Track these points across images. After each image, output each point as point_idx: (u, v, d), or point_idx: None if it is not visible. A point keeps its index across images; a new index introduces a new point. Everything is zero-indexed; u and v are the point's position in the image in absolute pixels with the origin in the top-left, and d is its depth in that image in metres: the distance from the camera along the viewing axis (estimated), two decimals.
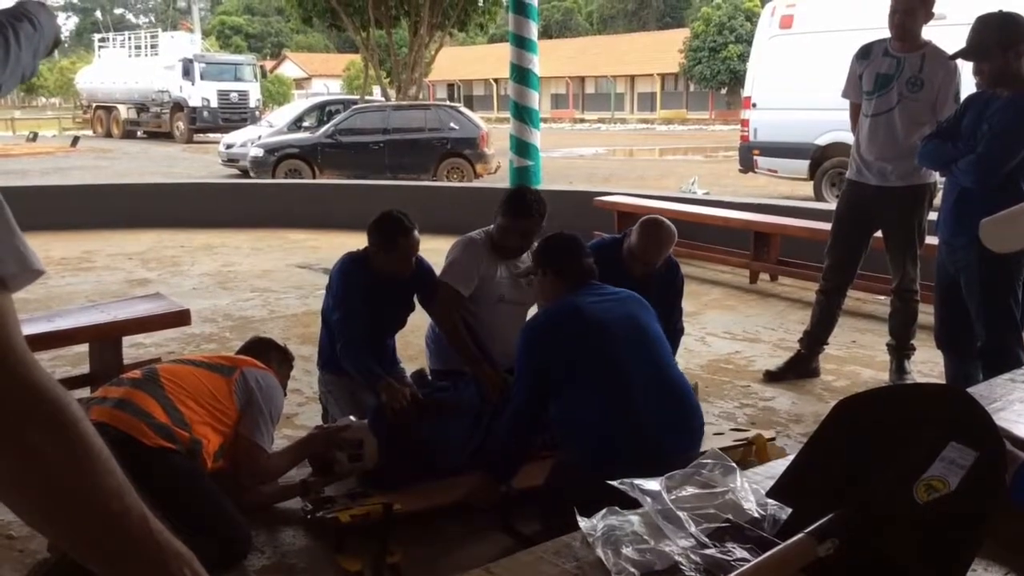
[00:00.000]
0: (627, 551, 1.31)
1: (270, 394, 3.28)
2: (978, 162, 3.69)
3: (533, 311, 4.03)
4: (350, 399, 3.79)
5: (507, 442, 3.10)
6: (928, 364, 4.90)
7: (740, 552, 1.28)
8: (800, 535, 1.24)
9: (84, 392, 3.90)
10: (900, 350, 4.86)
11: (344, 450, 3.36)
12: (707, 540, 1.31)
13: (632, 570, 1.27)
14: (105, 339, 4.28)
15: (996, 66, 3.67)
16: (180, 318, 4.49)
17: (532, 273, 3.32)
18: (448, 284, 3.83)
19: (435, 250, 3.92)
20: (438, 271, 3.93)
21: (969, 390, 1.84)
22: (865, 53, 4.66)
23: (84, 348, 4.47)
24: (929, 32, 4.55)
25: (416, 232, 3.75)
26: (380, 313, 3.80)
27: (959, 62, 4.18)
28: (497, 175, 15.35)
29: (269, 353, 3.61)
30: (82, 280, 7.65)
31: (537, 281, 3.22)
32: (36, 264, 0.85)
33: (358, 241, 3.90)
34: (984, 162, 3.68)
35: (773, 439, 3.84)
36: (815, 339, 5.00)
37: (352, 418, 3.51)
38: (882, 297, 6.14)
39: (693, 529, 1.33)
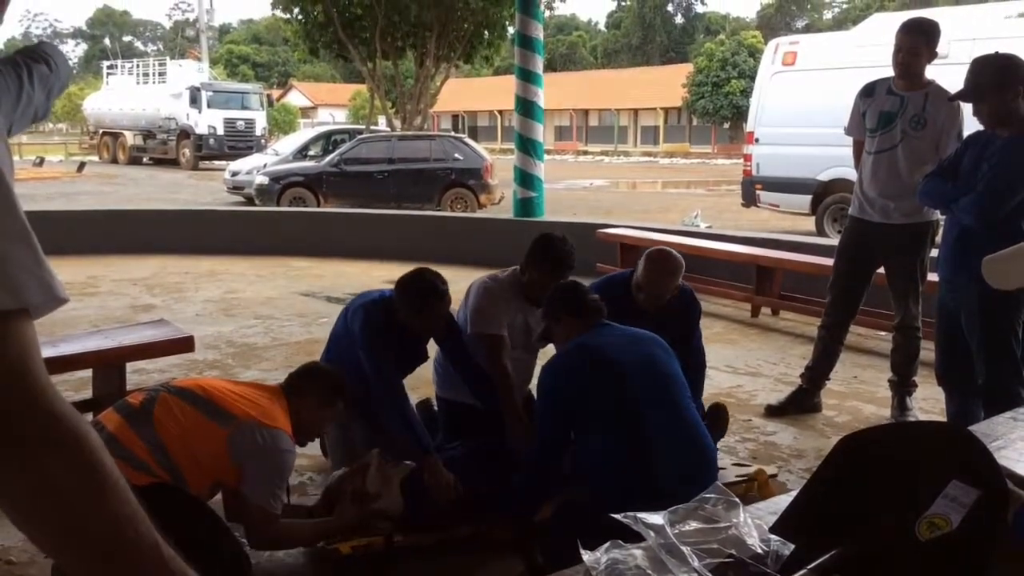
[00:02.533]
0: None
1: (271, 457, 2.92)
2: (978, 201, 3.71)
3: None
4: (340, 434, 3.77)
5: (531, 478, 3.11)
6: (930, 400, 4.90)
7: None
8: (803, 571, 1.24)
9: (87, 417, 3.90)
10: (902, 386, 4.86)
11: (377, 524, 3.19)
12: (710, 575, 1.31)
13: None
14: (108, 365, 4.29)
15: (994, 107, 3.71)
16: (184, 344, 4.51)
17: (546, 336, 3.33)
18: (489, 334, 3.74)
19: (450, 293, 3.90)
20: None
21: (971, 428, 1.85)
22: (869, 91, 4.70)
23: (87, 373, 4.48)
24: (931, 71, 4.60)
25: (448, 295, 3.61)
26: (401, 360, 3.76)
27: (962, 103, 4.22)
28: (501, 206, 15.40)
29: (307, 396, 3.18)
30: (86, 305, 7.66)
31: (553, 331, 3.25)
32: (60, 293, 0.86)
33: (362, 270, 3.92)
34: (984, 201, 3.70)
35: (775, 475, 3.83)
36: (817, 374, 5.00)
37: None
38: (884, 333, 6.15)
39: (696, 564, 1.33)
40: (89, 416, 3.99)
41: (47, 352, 3.95)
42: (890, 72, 4.61)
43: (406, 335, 3.66)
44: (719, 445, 4.06)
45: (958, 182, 3.85)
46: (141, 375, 5.13)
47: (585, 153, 47.13)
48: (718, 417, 4.03)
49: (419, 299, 3.56)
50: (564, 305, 3.19)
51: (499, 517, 3.21)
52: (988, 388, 3.86)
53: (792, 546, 1.37)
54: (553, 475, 3.08)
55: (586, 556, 1.42)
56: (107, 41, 79.72)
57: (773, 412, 4.95)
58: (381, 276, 3.78)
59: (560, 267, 3.72)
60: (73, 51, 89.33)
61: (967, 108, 4.02)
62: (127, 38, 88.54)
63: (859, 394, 5.35)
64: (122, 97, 32.69)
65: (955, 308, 3.92)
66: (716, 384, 5.50)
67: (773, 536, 1.40)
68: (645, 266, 3.77)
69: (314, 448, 4.28)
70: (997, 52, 3.79)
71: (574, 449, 3.02)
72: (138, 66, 34.67)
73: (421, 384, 4.26)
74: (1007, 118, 3.71)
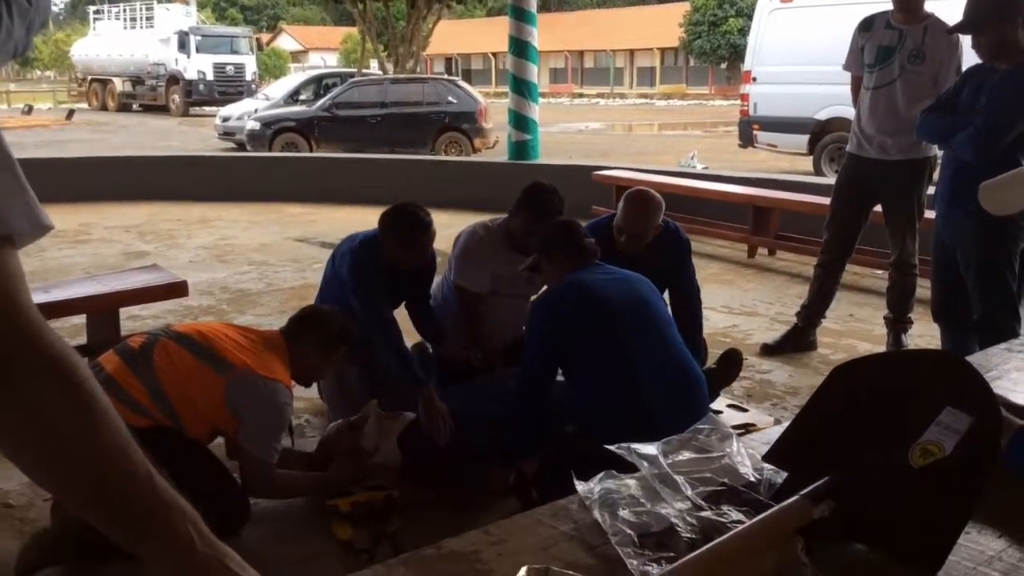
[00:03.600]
0: (624, 513, 1.32)
1: (268, 410, 2.91)
2: (976, 135, 3.67)
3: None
4: (337, 382, 3.80)
5: (515, 422, 3.13)
6: (925, 337, 4.91)
7: (736, 515, 1.29)
8: (795, 498, 1.25)
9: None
10: (897, 323, 4.88)
11: (373, 480, 3.21)
12: (703, 503, 1.32)
13: (628, 532, 1.28)
14: (102, 310, 4.29)
15: (994, 39, 3.65)
16: (177, 290, 4.50)
17: (534, 267, 3.31)
18: (467, 288, 3.80)
19: (434, 225, 3.89)
20: (438, 255, 3.92)
21: (966, 359, 1.85)
22: (867, 25, 4.64)
23: (81, 320, 4.48)
24: (930, 4, 4.53)
25: (432, 226, 3.67)
26: (391, 297, 3.80)
27: (961, 35, 4.17)
28: (496, 149, 15.30)
29: (307, 343, 3.13)
30: (79, 252, 7.64)
31: (543, 268, 3.23)
32: (45, 220, 0.85)
33: (355, 215, 3.91)
34: (982, 135, 3.66)
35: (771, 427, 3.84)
36: (813, 313, 5.02)
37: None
38: (879, 271, 6.16)
39: (689, 492, 1.34)
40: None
41: (40, 298, 3.94)
42: (889, 6, 4.55)
43: (394, 273, 3.68)
44: (724, 390, 4.08)
45: (956, 116, 3.81)
46: (135, 321, 5.13)
47: (581, 96, 46.69)
48: (732, 361, 4.04)
49: (406, 232, 3.60)
50: (557, 243, 3.19)
51: (495, 465, 3.23)
52: (984, 322, 3.86)
53: (785, 474, 1.38)
54: (537, 405, 3.11)
55: (580, 487, 1.43)
56: None
57: (769, 351, 4.98)
58: (375, 221, 3.74)
59: (541, 215, 3.68)
60: None
61: (966, 42, 3.97)
62: None
63: (855, 332, 5.37)
64: (110, 43, 32.25)
65: (951, 244, 3.92)
66: (712, 324, 5.50)
67: (766, 465, 1.41)
68: (624, 207, 3.74)
69: (312, 390, 4.30)
70: None
71: (569, 391, 3.04)
72: (125, 11, 34.09)
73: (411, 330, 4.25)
74: (1006, 50, 3.66)
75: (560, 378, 3.12)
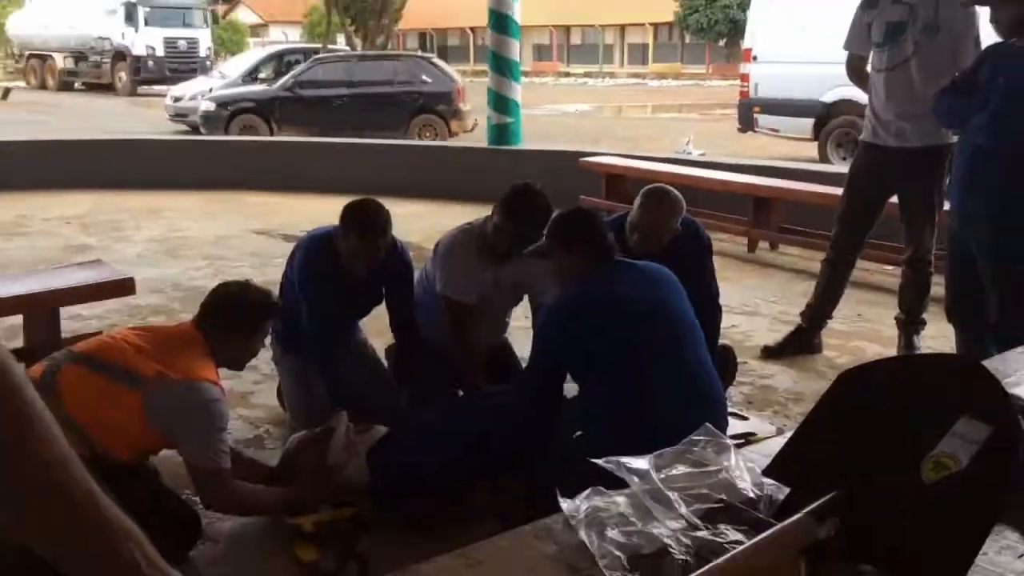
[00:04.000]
0: (612, 533, 1.32)
1: (196, 413, 2.80)
2: (993, 119, 3.70)
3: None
4: (298, 380, 3.83)
5: (511, 437, 3.11)
6: (939, 339, 4.94)
7: (734, 534, 1.30)
8: (798, 515, 1.26)
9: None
10: (910, 324, 4.90)
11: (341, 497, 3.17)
12: (699, 522, 1.33)
13: (617, 554, 1.28)
14: (40, 310, 4.25)
15: (1013, 13, 3.68)
16: (123, 287, 4.47)
17: (543, 253, 3.22)
18: (453, 299, 3.75)
19: (407, 215, 3.90)
20: (412, 249, 3.90)
21: (982, 364, 1.87)
22: (872, 2, 4.64)
23: (18, 320, 4.44)
24: None
25: (380, 223, 3.60)
26: (346, 303, 3.79)
27: (978, 7, 4.19)
28: (474, 133, 15.28)
29: (225, 328, 3.02)
30: (16, 247, 7.58)
31: (556, 258, 3.16)
32: None
33: (321, 205, 3.89)
34: (1000, 119, 3.69)
35: (773, 436, 3.85)
36: (818, 312, 5.04)
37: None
38: (890, 267, 6.20)
39: (684, 510, 1.35)
40: (21, 367, 3.96)
41: None
42: None
43: (353, 275, 3.67)
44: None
45: (974, 98, 3.83)
46: (77, 322, 5.10)
47: (567, 75, 46.69)
48: (725, 361, 4.05)
49: (355, 229, 3.57)
50: (579, 237, 3.08)
51: (473, 481, 3.22)
52: (1002, 327, 3.88)
53: (787, 490, 1.39)
54: (540, 421, 3.09)
55: (564, 505, 1.43)
56: None
57: (771, 354, 5.00)
58: (340, 211, 3.73)
59: (522, 219, 3.61)
60: None
61: (984, 13, 3.99)
62: None
63: (863, 333, 5.40)
64: (50, 15, 31.89)
65: (966, 238, 3.94)
66: None
67: (766, 480, 1.42)
68: (640, 204, 3.73)
69: (270, 397, 4.30)
70: None
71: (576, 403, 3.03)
72: None
73: (387, 328, 4.25)
74: None
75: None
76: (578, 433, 2.97)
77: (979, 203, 3.75)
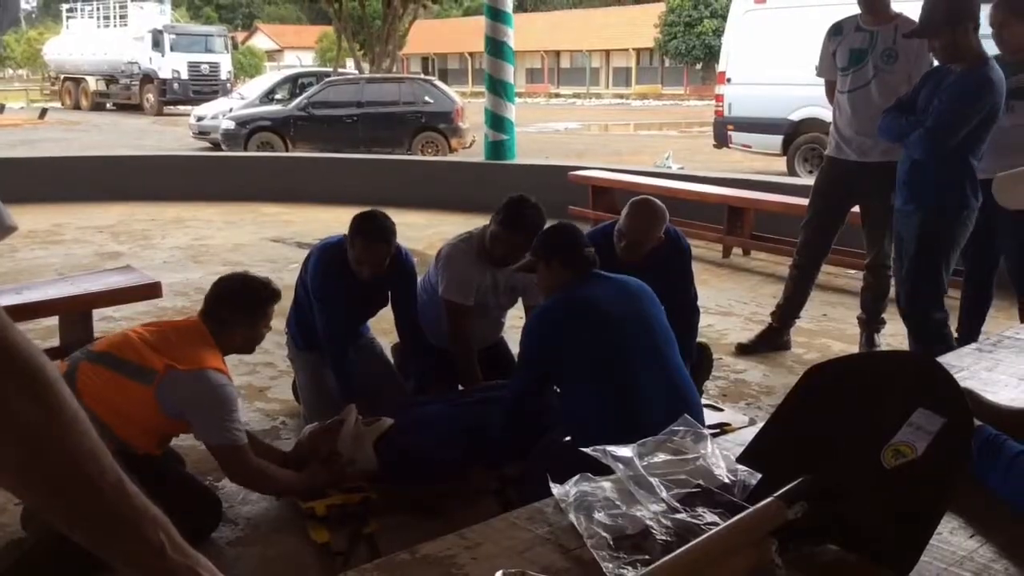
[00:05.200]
0: (599, 516, 1.32)
1: (205, 398, 2.81)
2: (926, 135, 3.78)
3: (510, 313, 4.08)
4: (312, 375, 3.82)
5: (504, 428, 3.10)
6: (898, 336, 4.94)
7: (711, 516, 1.29)
8: (769, 499, 1.25)
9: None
10: (871, 323, 4.92)
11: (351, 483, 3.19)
12: (678, 505, 1.33)
13: (604, 534, 1.28)
14: (75, 312, 4.24)
15: (946, 42, 3.75)
16: (151, 291, 4.46)
17: (531, 268, 3.20)
18: (453, 301, 3.73)
19: (410, 225, 3.89)
20: (416, 255, 3.89)
21: (937, 359, 1.87)
22: (837, 30, 4.68)
23: (54, 321, 4.43)
24: (901, 6, 4.57)
25: (385, 232, 3.60)
26: (355, 305, 3.80)
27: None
28: (472, 149, 15.28)
29: (229, 319, 3.01)
30: (51, 253, 7.56)
31: (540, 272, 3.14)
32: (9, 220, 0.84)
33: (331, 215, 3.89)
34: (932, 135, 3.77)
35: (746, 426, 3.86)
36: (788, 313, 5.05)
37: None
38: (853, 271, 6.21)
39: (664, 494, 1.34)
40: (56, 365, 3.95)
41: (11, 299, 3.91)
42: (858, 10, 4.59)
43: (362, 280, 3.66)
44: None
45: (913, 116, 3.90)
46: (108, 323, 5.08)
47: (557, 96, 46.72)
48: (702, 357, 4.06)
49: (360, 236, 3.57)
50: (558, 250, 3.07)
51: (476, 468, 3.21)
52: (910, 315, 4.08)
53: (759, 475, 1.38)
54: (526, 421, 3.08)
55: (555, 489, 1.43)
56: None
57: (744, 350, 5.00)
58: (349, 221, 3.72)
59: (516, 228, 3.60)
60: None
61: None
62: None
63: (828, 332, 5.41)
64: (83, 41, 31.94)
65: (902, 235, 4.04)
66: None
67: (740, 466, 1.42)
68: (627, 214, 3.72)
69: (285, 391, 4.29)
70: None
71: (558, 404, 3.01)
72: (98, 9, 33.76)
73: (392, 328, 4.24)
74: (960, 53, 3.76)
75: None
76: (566, 439, 2.94)
77: (913, 204, 3.93)
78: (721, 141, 13.06)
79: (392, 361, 4.11)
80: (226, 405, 2.84)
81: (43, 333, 4.69)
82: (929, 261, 3.95)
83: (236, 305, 3.04)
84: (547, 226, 3.30)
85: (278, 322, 4.45)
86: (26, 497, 0.91)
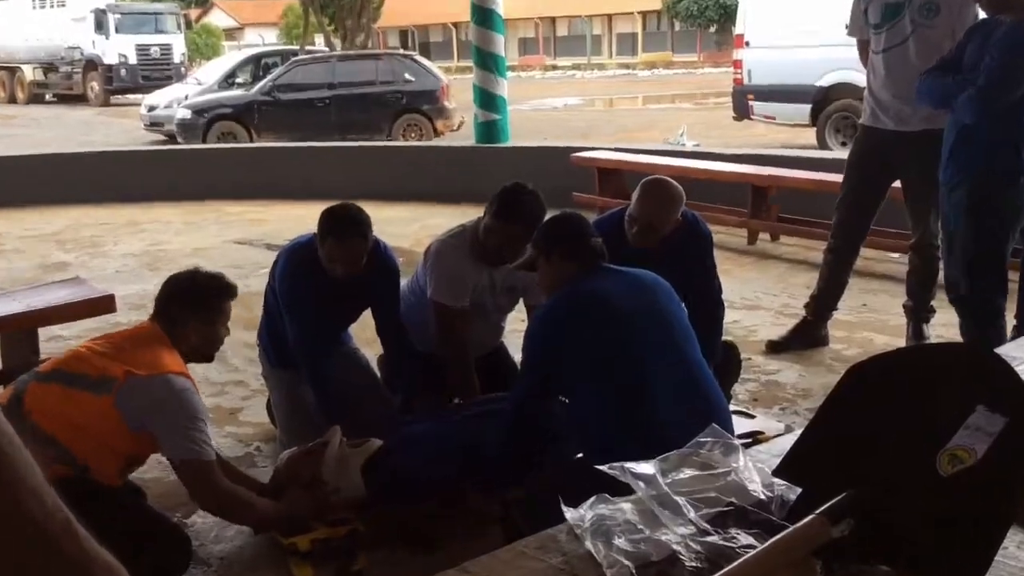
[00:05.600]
0: (619, 542, 1.32)
1: (167, 405, 2.81)
2: (977, 95, 3.75)
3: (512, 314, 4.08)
4: (288, 394, 3.82)
5: (504, 440, 3.09)
6: (950, 327, 4.93)
7: (745, 538, 1.29)
8: (811, 516, 1.25)
9: None
10: (918, 312, 4.91)
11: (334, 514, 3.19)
12: (708, 526, 1.32)
13: (626, 562, 1.28)
14: (18, 331, 4.24)
15: None
16: (103, 305, 4.46)
17: (531, 265, 3.20)
18: (443, 303, 3.72)
19: (394, 219, 3.89)
20: (402, 254, 3.89)
21: (996, 350, 1.87)
22: None
23: None
24: None
25: (360, 225, 3.60)
26: (331, 310, 3.79)
27: None
28: (460, 132, 15.28)
29: (183, 321, 3.02)
30: None
31: (540, 268, 3.14)
32: None
33: (304, 211, 3.88)
34: (984, 95, 3.74)
35: (781, 434, 3.85)
36: (823, 304, 5.04)
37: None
38: (895, 255, 6.21)
39: (692, 515, 1.34)
40: None
41: None
42: None
43: (337, 283, 3.65)
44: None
45: (959, 76, 3.87)
46: (57, 342, 5.07)
47: (554, 68, 46.70)
48: (729, 358, 4.05)
49: (330, 232, 3.56)
50: (559, 242, 3.05)
51: (473, 490, 3.21)
52: (969, 300, 4.04)
53: (799, 490, 1.38)
54: (529, 431, 3.08)
55: (569, 514, 1.42)
56: None
57: (775, 348, 5.00)
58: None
59: (512, 219, 3.60)
60: None
61: None
62: None
63: (870, 324, 5.41)
64: (16, 26, 31.87)
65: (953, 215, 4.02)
66: None
67: (777, 480, 1.42)
68: (638, 196, 3.71)
69: (259, 413, 4.29)
70: None
71: (563, 412, 3.01)
72: None
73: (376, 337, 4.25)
74: (1012, 2, 3.73)
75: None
76: (578, 455, 2.94)
77: (964, 176, 3.90)
78: (741, 113, 13.07)
79: (379, 374, 4.10)
80: (188, 411, 2.85)
81: None
82: (984, 235, 3.92)
83: (186, 301, 3.07)
84: (548, 217, 3.29)
85: (248, 336, 4.48)
86: None
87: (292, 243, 3.85)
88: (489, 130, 9.92)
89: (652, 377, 2.82)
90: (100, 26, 28.89)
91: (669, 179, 3.82)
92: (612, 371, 2.84)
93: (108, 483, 2.84)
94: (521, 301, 4.00)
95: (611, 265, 3.06)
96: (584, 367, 2.87)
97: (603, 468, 1.46)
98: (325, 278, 3.63)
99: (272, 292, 3.86)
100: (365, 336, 4.22)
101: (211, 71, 20.26)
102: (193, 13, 49.41)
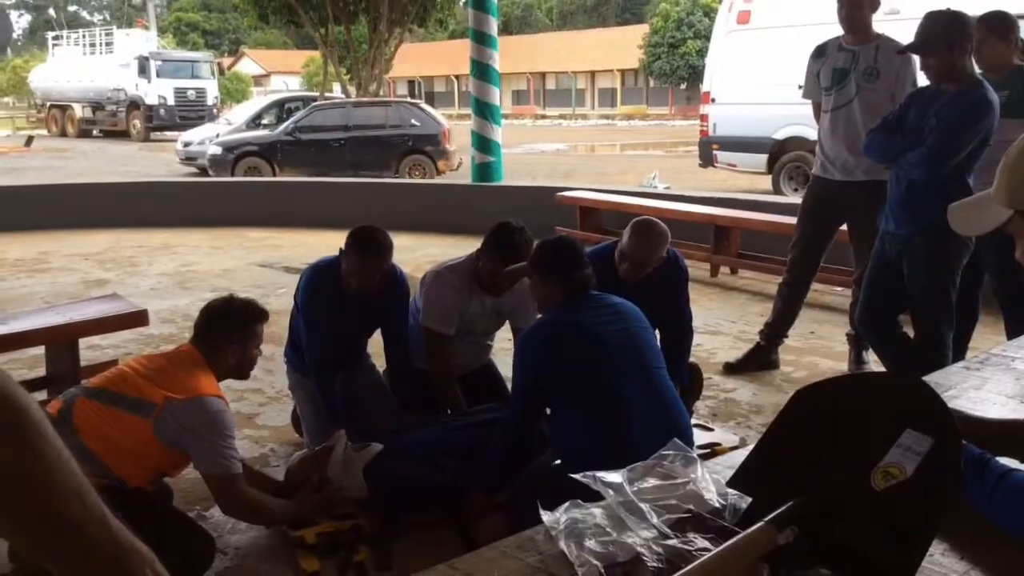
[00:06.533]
0: (590, 543, 1.31)
1: (202, 426, 2.80)
2: (928, 155, 3.76)
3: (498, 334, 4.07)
4: (313, 404, 3.77)
5: (501, 454, 3.06)
6: None
7: (701, 542, 1.28)
8: (760, 524, 1.25)
9: (41, 395, 3.84)
10: (859, 340, 4.91)
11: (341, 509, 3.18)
12: (669, 531, 1.32)
13: (595, 562, 1.27)
14: (61, 341, 4.20)
15: (942, 62, 3.75)
16: (137, 319, 4.43)
17: (525, 273, 3.19)
18: (432, 330, 3.71)
19: (398, 247, 3.85)
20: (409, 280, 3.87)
21: (924, 378, 1.87)
22: (820, 52, 4.72)
23: (40, 351, 4.39)
24: (883, 27, 4.62)
25: (386, 249, 3.59)
26: (349, 325, 3.75)
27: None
28: (459, 172, 15.31)
29: (221, 343, 3.01)
30: (37, 282, 7.52)
31: (533, 285, 3.12)
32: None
33: (319, 239, 3.87)
34: (933, 156, 3.75)
35: (736, 447, 3.85)
36: (776, 331, 5.05)
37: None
38: (839, 288, 6.23)
39: (655, 520, 1.33)
40: (43, 395, 3.92)
41: None
42: (841, 31, 4.62)
43: (355, 300, 3.63)
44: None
45: (905, 137, 3.88)
46: (95, 351, 5.05)
47: (543, 117, 46.91)
48: (693, 378, 4.05)
49: (353, 250, 3.54)
50: (556, 265, 3.04)
51: (467, 493, 3.18)
52: (924, 339, 4.01)
53: (749, 499, 1.38)
54: (522, 445, 3.05)
55: (545, 517, 1.41)
56: (51, 11, 77.66)
57: (732, 369, 5.00)
58: (339, 245, 3.70)
59: (506, 256, 3.58)
60: (16, 22, 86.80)
61: (917, 61, 4.05)
62: (72, 8, 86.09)
63: (816, 349, 5.42)
64: (69, 69, 31.92)
65: (896, 260, 4.00)
66: None
67: (730, 490, 1.41)
68: (630, 235, 3.71)
69: (274, 418, 4.27)
70: (948, 8, 3.82)
71: (550, 428, 3.00)
72: (84, 36, 33.82)
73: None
74: (953, 74, 3.76)
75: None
76: (556, 462, 2.92)
77: (914, 229, 3.87)
78: (707, 160, 13.12)
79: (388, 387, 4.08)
80: (223, 431, 2.83)
81: (29, 363, 4.66)
82: (942, 284, 3.91)
83: (225, 326, 3.04)
84: (546, 240, 3.26)
85: (266, 348, 4.45)
86: (10, 536, 0.90)
87: (317, 262, 3.79)
88: (485, 170, 9.94)
89: (626, 400, 2.80)
90: (143, 71, 28.98)
91: (657, 220, 3.81)
92: (591, 394, 2.82)
93: (140, 488, 2.81)
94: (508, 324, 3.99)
95: (595, 292, 3.04)
96: (565, 391, 2.85)
97: (576, 476, 1.45)
98: (342, 295, 3.62)
99: (296, 307, 3.83)
100: (376, 350, 4.20)
101: (240, 113, 20.29)
102: (226, 61, 49.54)
